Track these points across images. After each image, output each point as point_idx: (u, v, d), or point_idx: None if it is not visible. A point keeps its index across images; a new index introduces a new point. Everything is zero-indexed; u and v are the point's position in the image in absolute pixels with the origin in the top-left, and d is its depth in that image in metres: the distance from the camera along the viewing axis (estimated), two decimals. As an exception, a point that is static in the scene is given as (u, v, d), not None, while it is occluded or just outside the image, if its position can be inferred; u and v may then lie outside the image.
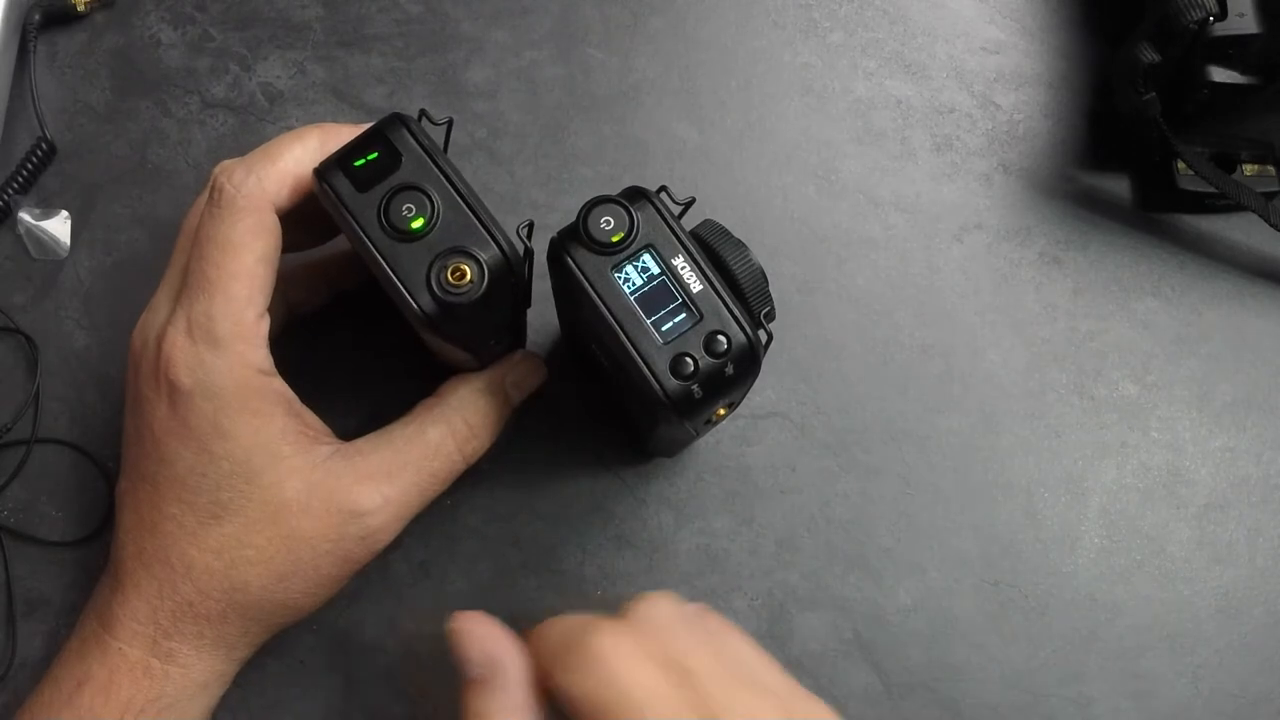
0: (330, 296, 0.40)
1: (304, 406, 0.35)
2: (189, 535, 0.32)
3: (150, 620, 0.32)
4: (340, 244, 0.39)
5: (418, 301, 0.31)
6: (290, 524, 0.32)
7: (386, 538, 0.34)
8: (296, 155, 0.32)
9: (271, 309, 0.33)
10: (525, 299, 0.36)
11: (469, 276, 0.31)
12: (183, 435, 0.32)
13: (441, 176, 0.31)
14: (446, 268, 0.31)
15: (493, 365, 0.37)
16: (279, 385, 0.33)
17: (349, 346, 0.42)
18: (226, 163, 0.33)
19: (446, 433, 0.35)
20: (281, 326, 0.38)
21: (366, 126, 0.33)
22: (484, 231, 0.31)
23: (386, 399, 0.38)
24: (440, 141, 0.34)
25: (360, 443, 0.35)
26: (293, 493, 0.32)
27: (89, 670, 0.32)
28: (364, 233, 0.31)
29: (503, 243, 0.31)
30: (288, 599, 0.33)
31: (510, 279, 0.32)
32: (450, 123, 0.35)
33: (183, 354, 0.31)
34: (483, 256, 0.31)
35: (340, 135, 0.33)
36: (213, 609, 0.32)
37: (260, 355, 0.32)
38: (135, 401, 0.33)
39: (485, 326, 0.34)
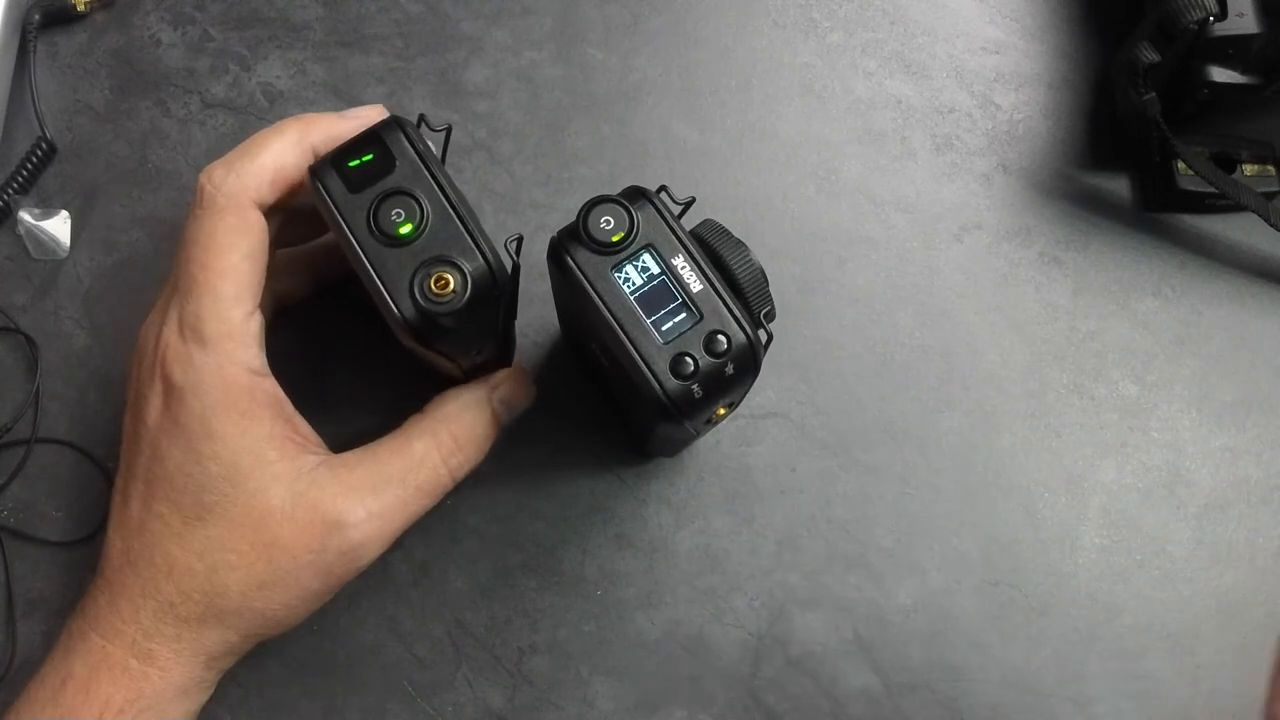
0: (316, 287, 0.40)
1: (295, 412, 0.34)
2: (174, 535, 0.32)
3: (132, 619, 0.32)
4: (327, 234, 0.39)
5: (399, 307, 0.31)
6: (272, 531, 0.32)
7: (370, 554, 0.34)
8: (276, 150, 0.32)
9: (261, 304, 0.33)
10: (511, 312, 0.36)
11: (452, 286, 0.31)
12: (173, 433, 0.32)
13: (434, 184, 0.31)
14: (430, 276, 0.31)
15: (481, 380, 0.37)
16: (270, 386, 0.33)
17: (353, 355, 0.42)
18: (208, 166, 0.33)
19: (432, 445, 0.35)
20: (270, 319, 0.38)
21: (348, 113, 0.33)
22: (470, 242, 0.31)
23: (389, 409, 0.37)
24: (439, 147, 0.34)
25: (347, 455, 0.34)
26: (277, 500, 0.32)
27: (72, 668, 0.32)
28: (352, 234, 0.31)
29: (489, 255, 0.31)
30: (267, 609, 0.33)
31: (494, 291, 0.32)
32: (449, 130, 0.35)
33: (175, 353, 0.32)
34: (467, 267, 0.31)
35: (320, 125, 0.33)
36: (192, 612, 0.32)
37: (250, 354, 0.32)
38: (134, 399, 0.34)
39: (467, 337, 0.34)
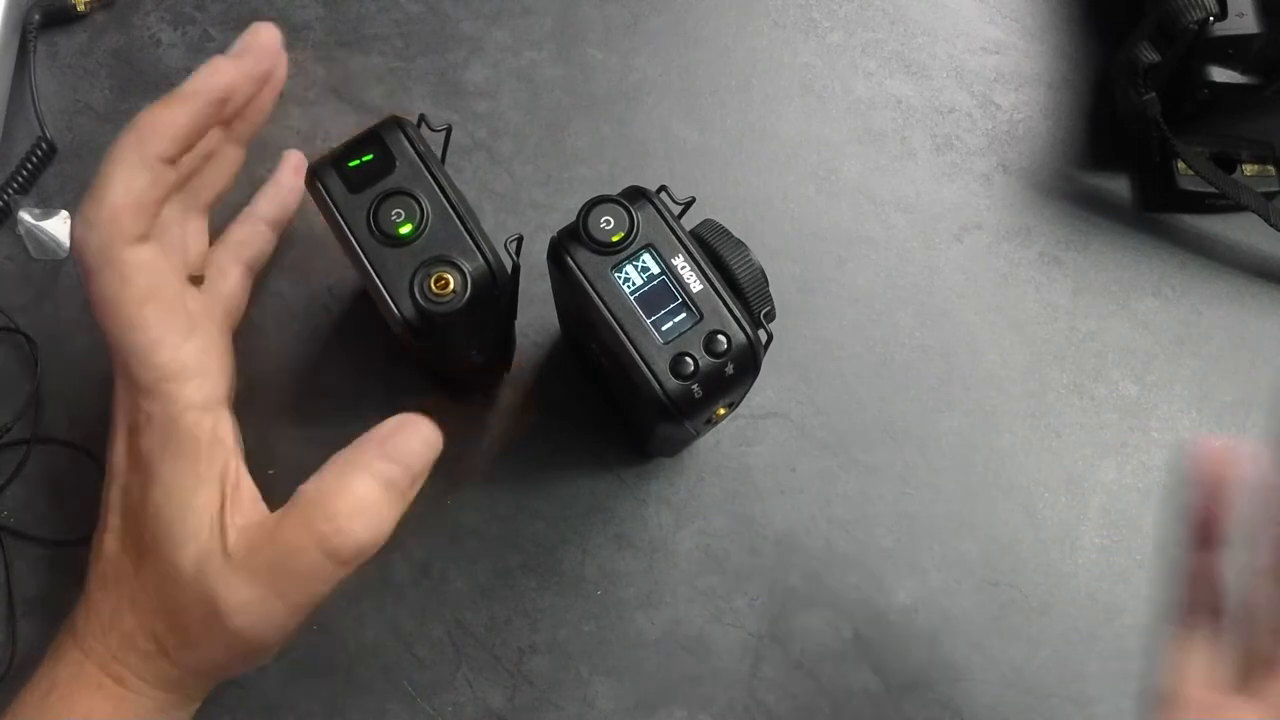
0: (276, 238, 0.41)
1: (235, 452, 0.32)
2: (134, 570, 0.32)
3: (103, 641, 0.32)
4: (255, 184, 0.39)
5: (399, 307, 0.31)
6: (178, 600, 0.31)
7: (260, 641, 0.31)
8: (121, 181, 0.31)
9: (230, 289, 0.34)
10: (511, 312, 0.36)
11: (452, 286, 0.31)
12: (134, 472, 0.32)
13: (434, 184, 0.31)
14: (430, 276, 0.31)
15: (368, 438, 0.31)
16: (211, 423, 0.31)
17: (352, 356, 0.42)
18: (74, 222, 0.31)
19: (302, 528, 0.30)
20: (248, 291, 0.39)
21: (180, 91, 0.31)
22: (470, 242, 0.31)
23: (388, 411, 0.37)
24: (439, 147, 0.34)
25: (252, 526, 0.31)
26: (185, 564, 0.30)
27: (57, 676, 0.32)
28: (352, 234, 0.31)
29: (488, 255, 0.31)
30: (195, 664, 0.32)
31: (494, 291, 0.32)
32: (449, 130, 0.35)
33: (124, 403, 0.32)
34: (467, 267, 0.31)
35: (154, 129, 0.31)
36: (148, 646, 0.32)
37: (190, 388, 0.31)
38: (110, 438, 0.34)
39: (467, 337, 0.34)
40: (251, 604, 0.30)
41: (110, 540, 0.33)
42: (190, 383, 0.31)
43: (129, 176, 0.31)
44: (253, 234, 0.40)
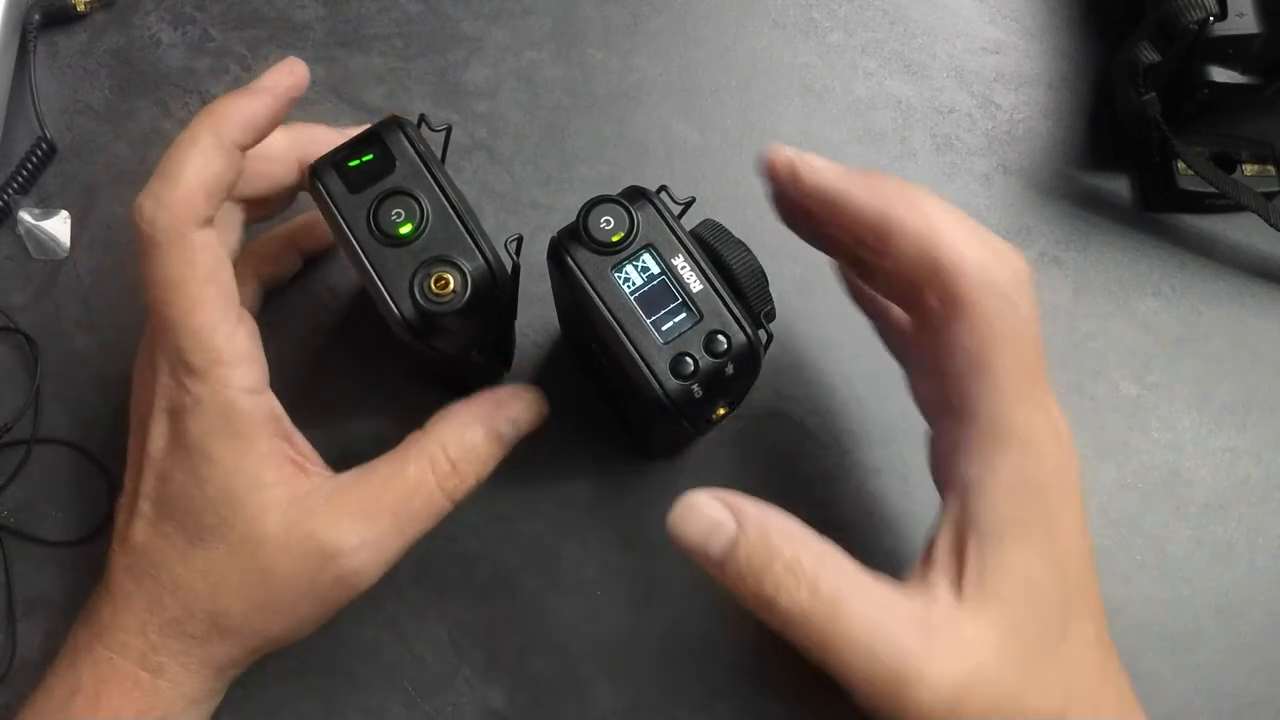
0: (301, 263, 0.41)
1: (293, 428, 0.34)
2: (178, 554, 0.32)
3: (139, 633, 0.32)
4: (304, 208, 0.39)
5: (399, 307, 0.31)
6: (268, 559, 0.32)
7: (365, 582, 0.33)
8: (196, 164, 0.31)
9: (246, 303, 0.34)
10: (511, 312, 0.36)
11: (452, 286, 0.31)
12: (177, 456, 0.32)
13: (434, 184, 0.32)
14: (430, 276, 0.31)
15: (487, 397, 0.36)
16: (265, 404, 0.33)
17: (351, 357, 0.42)
18: (137, 199, 0.31)
19: (427, 469, 0.33)
20: (259, 304, 0.39)
21: (255, 86, 0.32)
22: (470, 242, 0.31)
23: (386, 413, 0.37)
24: (439, 147, 0.34)
25: (344, 477, 0.33)
26: (272, 527, 0.32)
27: (80, 679, 0.32)
28: (352, 234, 0.31)
29: (489, 255, 0.31)
30: (268, 630, 0.33)
31: (494, 291, 0.32)
32: (449, 130, 0.35)
33: (169, 386, 0.32)
34: (467, 267, 0.31)
35: (231, 115, 0.32)
36: (198, 629, 0.32)
37: (241, 372, 0.32)
38: (138, 426, 0.34)
39: (467, 337, 0.34)
40: (369, 543, 0.32)
41: (141, 529, 0.33)
42: (241, 367, 0.32)
43: (205, 159, 0.31)
44: (281, 254, 0.40)
